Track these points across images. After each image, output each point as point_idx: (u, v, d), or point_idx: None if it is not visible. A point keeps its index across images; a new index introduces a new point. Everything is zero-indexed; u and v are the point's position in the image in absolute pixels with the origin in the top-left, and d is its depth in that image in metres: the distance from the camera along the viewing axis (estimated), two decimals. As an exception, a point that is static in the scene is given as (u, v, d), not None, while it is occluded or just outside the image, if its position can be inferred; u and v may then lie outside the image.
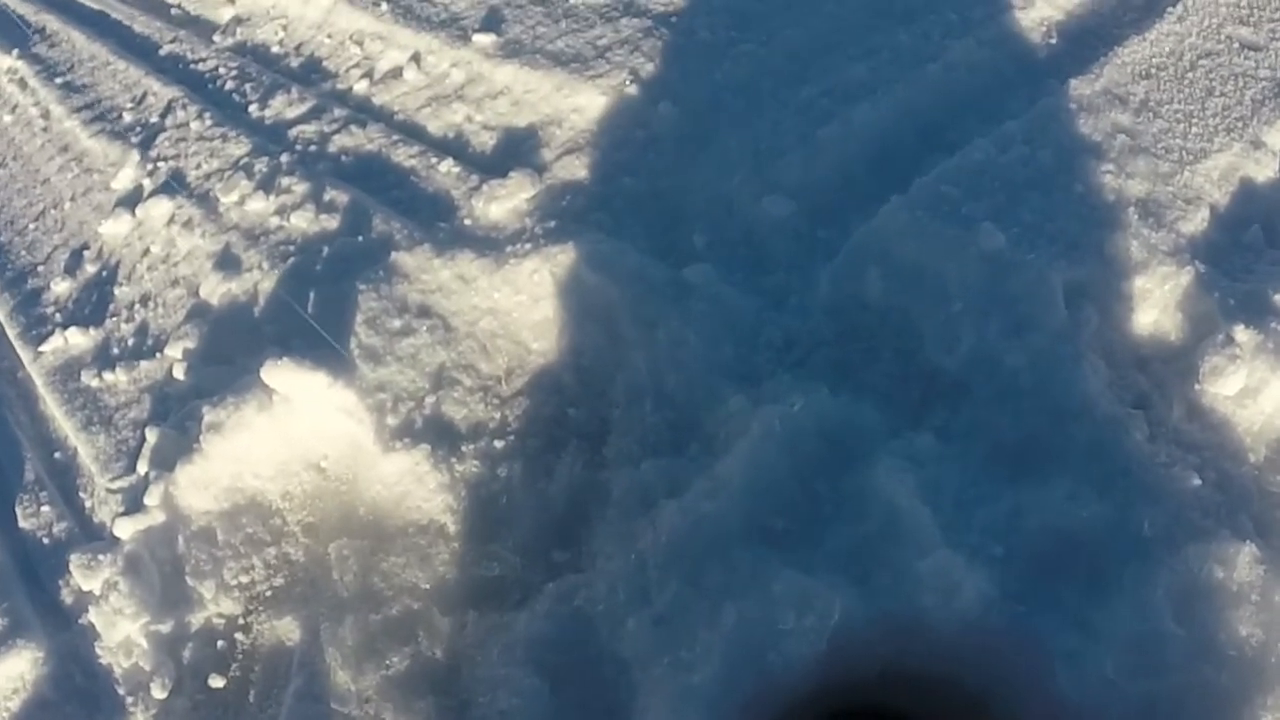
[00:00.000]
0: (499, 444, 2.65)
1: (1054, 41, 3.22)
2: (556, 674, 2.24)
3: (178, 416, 2.99)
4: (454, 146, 3.35)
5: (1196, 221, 2.59)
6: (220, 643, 2.65)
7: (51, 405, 3.36)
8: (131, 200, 3.70)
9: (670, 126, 3.12)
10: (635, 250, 2.80)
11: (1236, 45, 3.02)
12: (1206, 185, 2.68)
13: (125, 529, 2.84)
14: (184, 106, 3.95)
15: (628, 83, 3.23)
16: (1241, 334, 2.32)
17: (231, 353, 3.05)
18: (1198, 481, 2.14)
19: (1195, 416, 2.30)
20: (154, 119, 4.00)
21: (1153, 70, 2.97)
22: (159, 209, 3.57)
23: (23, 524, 3.20)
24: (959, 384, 2.42)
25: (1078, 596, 2.02)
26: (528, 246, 2.85)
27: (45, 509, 3.19)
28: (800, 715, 2.13)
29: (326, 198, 3.26)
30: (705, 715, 2.03)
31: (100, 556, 2.84)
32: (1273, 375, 2.27)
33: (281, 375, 2.76)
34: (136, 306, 3.39)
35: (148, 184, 3.74)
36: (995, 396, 2.34)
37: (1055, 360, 2.32)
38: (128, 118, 4.13)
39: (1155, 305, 2.47)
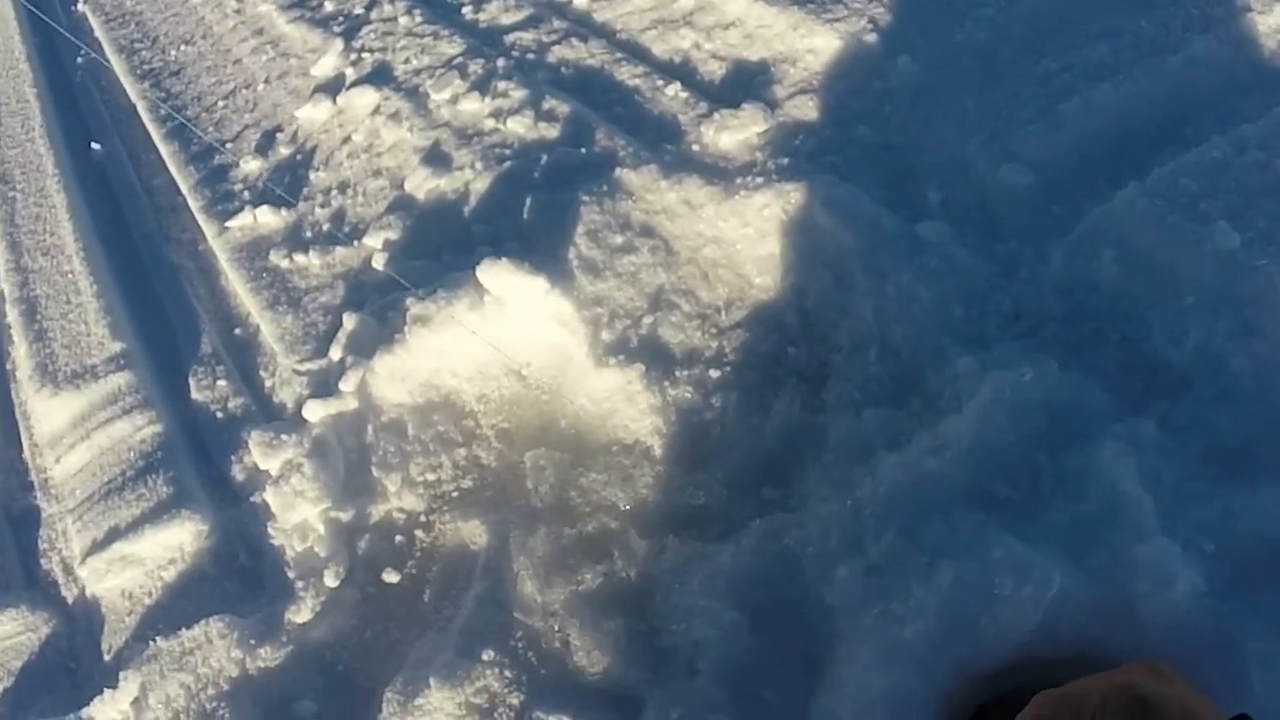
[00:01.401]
0: (714, 374, 2.60)
1: None
2: (758, 610, 2.20)
3: (378, 305, 2.97)
4: (681, 71, 3.29)
5: None
6: (399, 538, 2.63)
7: (235, 281, 3.35)
8: (333, 88, 3.68)
9: (907, 80, 3.03)
10: (870, 199, 2.73)
11: None
12: None
13: (314, 412, 2.83)
14: (391, 1, 3.91)
15: (866, 30, 3.15)
16: None
17: (438, 249, 3.01)
18: None
19: None
20: (358, 10, 3.98)
21: None
22: (363, 98, 3.54)
23: (195, 395, 3.20)
24: (1183, 378, 2.36)
25: (1279, 604, 1.96)
26: (759, 180, 2.78)
27: (221, 383, 3.18)
28: (1004, 683, 2.07)
29: (546, 106, 3.21)
30: (916, 670, 1.97)
31: (284, 436, 2.83)
32: None
33: (499, 275, 2.72)
34: (334, 192, 3.37)
35: (351, 73, 3.71)
36: (1217, 395, 2.28)
37: (1278, 368, 2.26)
38: (329, 7, 4.11)
39: None
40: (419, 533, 2.65)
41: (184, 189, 3.71)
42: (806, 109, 3.00)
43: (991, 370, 2.36)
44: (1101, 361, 2.45)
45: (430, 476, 2.72)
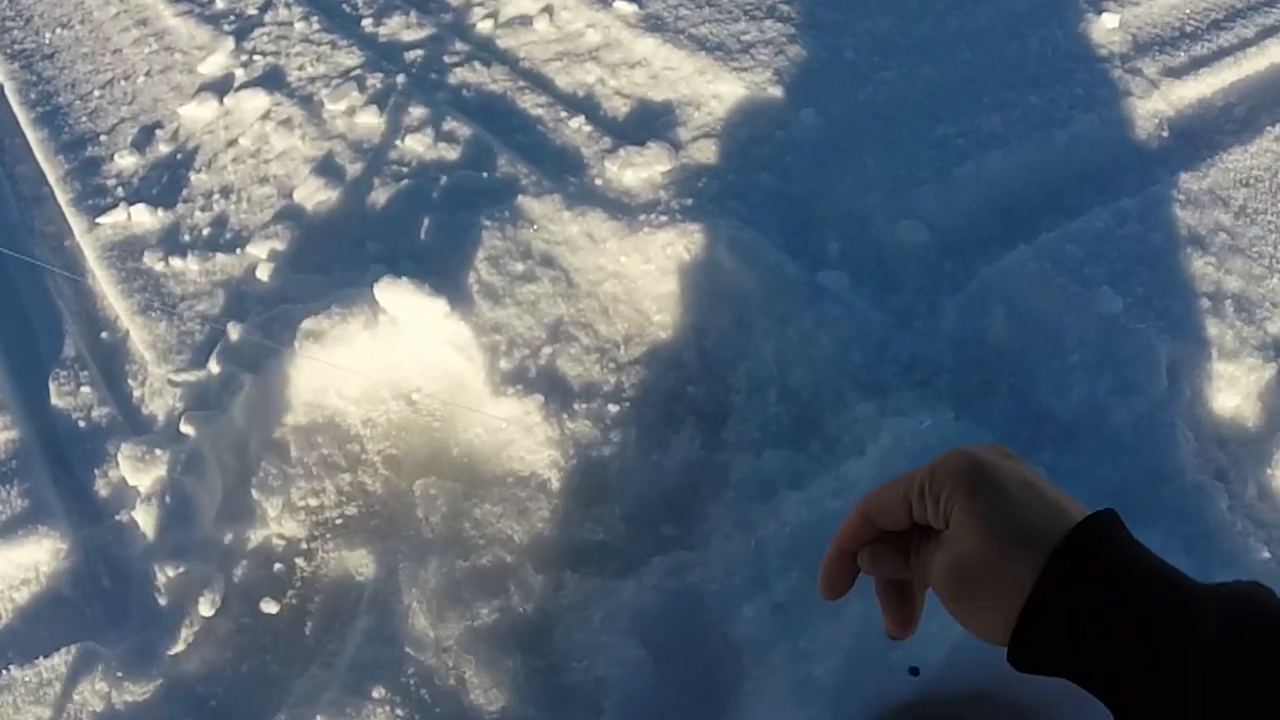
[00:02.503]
0: (613, 408, 2.60)
1: (1165, 135, 3.38)
2: (662, 647, 2.19)
3: (263, 317, 2.85)
4: (585, 105, 3.29)
5: (1281, 324, 2.76)
6: (278, 566, 2.50)
7: (104, 282, 3.17)
8: (220, 88, 3.53)
9: (810, 134, 3.11)
10: (772, 244, 2.79)
11: (1327, 171, 3.19)
12: (1292, 293, 2.84)
13: (192, 427, 2.69)
14: (287, 5, 3.79)
15: (771, 82, 3.22)
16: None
17: (328, 262, 2.92)
18: (1267, 555, 2.26)
19: (1266, 497, 2.45)
20: (250, 11, 3.84)
21: (1252, 179, 3.11)
22: (253, 102, 3.41)
23: (55, 402, 2.99)
24: (1066, 430, 2.51)
25: None
26: (663, 219, 2.81)
27: (84, 390, 2.99)
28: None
29: (446, 127, 3.16)
30: (828, 706, 2.01)
31: (157, 451, 2.67)
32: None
33: (398, 295, 2.66)
34: (216, 196, 3.23)
35: (241, 74, 3.57)
36: (1099, 447, 2.44)
37: (1154, 424, 2.44)
38: (220, 4, 3.94)
39: (1239, 392, 2.61)
40: (300, 561, 2.53)
41: (51, 179, 3.49)
42: (710, 152, 3.05)
43: (890, 416, 2.44)
44: (991, 411, 2.58)
45: (313, 502, 2.62)
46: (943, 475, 0.83)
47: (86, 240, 3.26)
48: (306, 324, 2.70)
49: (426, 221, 2.88)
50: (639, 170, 2.96)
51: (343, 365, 2.67)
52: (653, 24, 3.45)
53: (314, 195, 3.07)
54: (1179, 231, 2.89)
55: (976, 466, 0.81)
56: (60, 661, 2.33)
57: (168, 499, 2.56)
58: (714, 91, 3.21)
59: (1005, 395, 2.62)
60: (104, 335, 3.10)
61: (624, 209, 2.86)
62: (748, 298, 2.71)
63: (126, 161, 3.44)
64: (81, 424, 2.94)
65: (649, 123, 3.17)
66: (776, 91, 3.20)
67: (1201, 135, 3.38)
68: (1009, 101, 3.30)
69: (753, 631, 2.15)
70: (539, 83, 3.38)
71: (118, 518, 2.67)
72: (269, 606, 2.43)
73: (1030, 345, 2.66)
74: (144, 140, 3.51)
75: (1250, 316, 2.73)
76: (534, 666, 2.25)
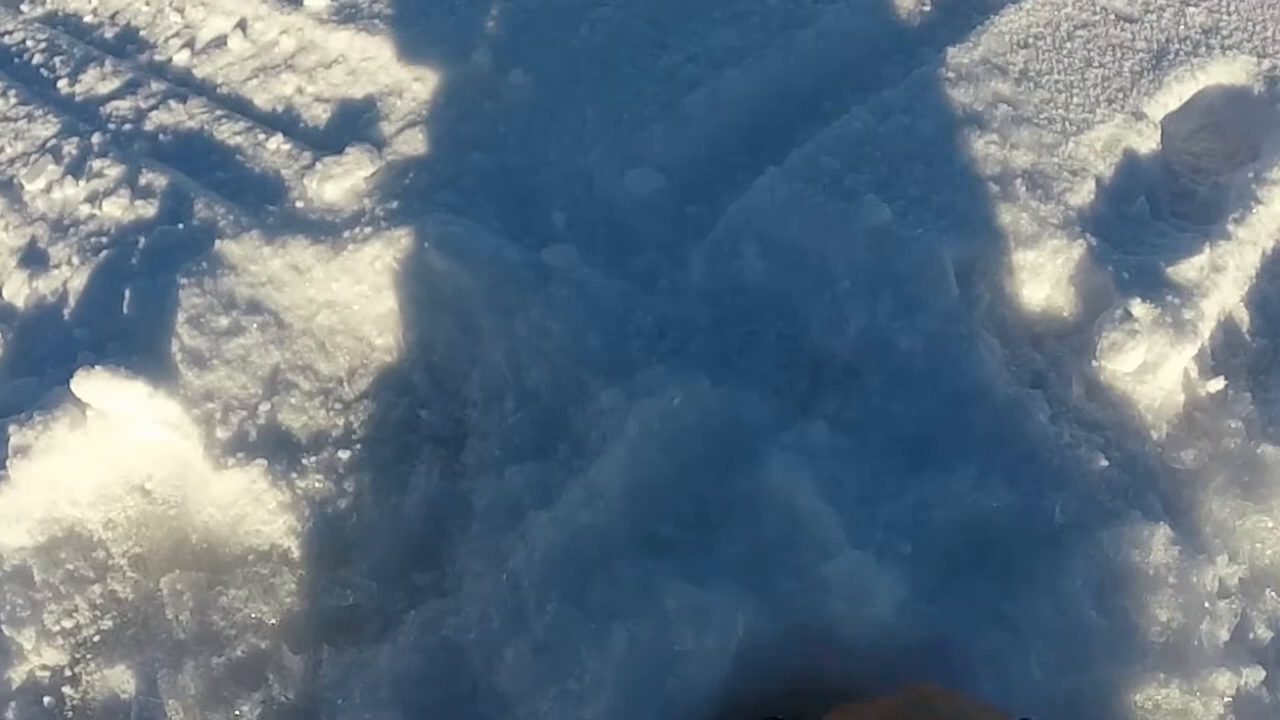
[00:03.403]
0: (344, 454, 2.39)
1: (928, 9, 3.13)
2: (428, 714, 2.01)
3: (-20, 440, 2.65)
4: (284, 121, 3.03)
5: (1084, 193, 2.49)
6: (47, 699, 2.33)
7: None
8: (-77, 193, 3.29)
9: (522, 96, 2.86)
10: (488, 231, 2.55)
11: (1112, 17, 2.92)
12: (1091, 156, 2.58)
13: (-81, 577, 2.51)
14: (-14, 85, 3.53)
15: (475, 49, 2.95)
16: (1138, 308, 2.23)
17: (41, 362, 2.71)
18: (1104, 462, 2.04)
19: (1095, 394, 2.22)
20: (-48, 98, 3.57)
21: (1031, 40, 2.87)
22: (-45, 201, 3.17)
23: None
24: (849, 370, 2.26)
25: (994, 592, 1.89)
26: (368, 230, 2.57)
27: None
28: None
29: (143, 181, 2.91)
30: None
31: (-112, 610, 2.51)
32: (1171, 350, 2.20)
33: (94, 386, 2.44)
34: (-73, 312, 3.01)
35: (-57, 174, 3.32)
36: (889, 382, 2.20)
37: (949, 341, 2.19)
38: (-83, 96, 3.68)
39: (1047, 280, 2.37)
40: (67, 689, 2.36)
41: None
42: (416, 143, 2.80)
43: (637, 400, 2.20)
44: (758, 367, 2.32)
45: (67, 624, 2.43)
46: None
47: None
48: (14, 440, 2.49)
49: (128, 293, 2.65)
50: (339, 181, 2.71)
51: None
52: (346, 14, 3.18)
53: (21, 290, 2.85)
54: (953, 113, 2.63)
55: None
56: None
57: (-86, 656, 2.41)
58: (415, 74, 2.96)
59: (773, 344, 2.36)
60: None
61: (328, 229, 2.62)
62: (467, 297, 2.48)
63: None
64: None
65: (350, 125, 2.91)
66: (482, 58, 2.94)
67: (969, 2, 3.10)
68: (744, 10, 3.02)
69: (518, 680, 1.95)
70: (237, 107, 3.12)
71: None
72: (48, 743, 2.29)
73: (793, 281, 2.40)
74: None
75: (1046, 192, 2.48)
76: (304, 759, 2.10)
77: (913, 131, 2.60)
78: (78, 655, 2.39)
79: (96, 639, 2.41)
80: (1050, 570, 1.89)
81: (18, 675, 2.37)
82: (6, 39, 3.80)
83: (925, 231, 2.35)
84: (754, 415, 2.18)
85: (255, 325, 2.52)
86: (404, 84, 2.97)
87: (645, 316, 2.42)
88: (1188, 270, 2.33)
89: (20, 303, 2.85)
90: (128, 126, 3.13)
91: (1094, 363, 2.22)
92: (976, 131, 2.58)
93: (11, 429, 2.49)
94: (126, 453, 2.51)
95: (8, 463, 2.47)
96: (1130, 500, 2.01)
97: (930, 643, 1.86)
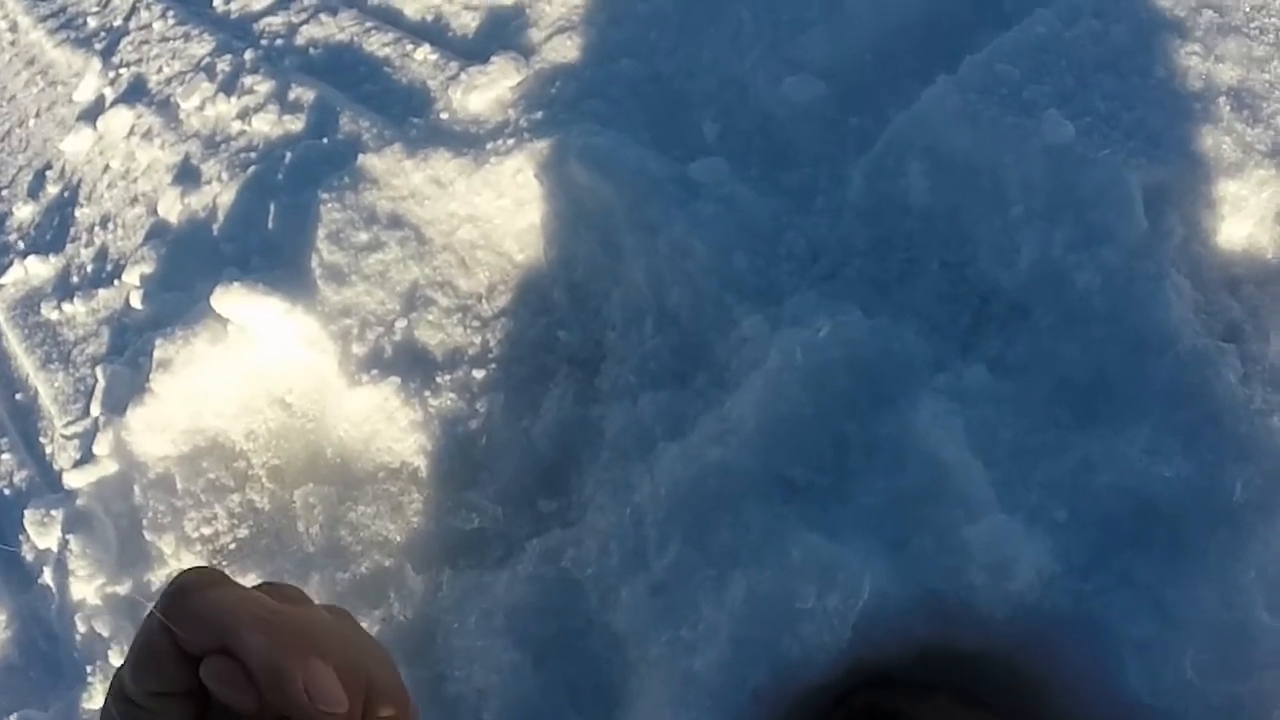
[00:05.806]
0: (479, 373, 2.29)
1: None
2: (540, 647, 1.91)
3: (132, 351, 2.68)
4: (432, 31, 2.93)
5: (1298, 117, 2.14)
6: (183, 604, 2.35)
7: (12, 341, 3.06)
8: (93, 113, 3.35)
9: (675, -1, 2.67)
10: (635, 142, 2.39)
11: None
12: (1309, 74, 2.22)
13: (76, 480, 2.56)
14: (148, 6, 3.56)
15: (629, -53, 2.78)
16: (1355, 253, 1.89)
17: (189, 277, 2.71)
18: None
19: None
20: (118, 22, 3.62)
21: None
22: (119, 120, 3.21)
23: (-20, 472, 2.94)
24: (1017, 307, 1.98)
25: (1154, 574, 1.63)
26: (511, 142, 2.44)
27: (6, 456, 2.91)
28: (821, 707, 1.75)
29: (291, 96, 2.87)
30: (712, 708, 1.67)
31: (53, 511, 2.58)
32: (1394, 303, 1.84)
33: (233, 301, 2.42)
34: (96, 229, 3.06)
35: (109, 93, 3.38)
36: (1060, 323, 1.91)
37: (1133, 280, 1.88)
38: (92, 23, 3.75)
39: (1250, 215, 2.01)
40: (202, 594, 2.37)
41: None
42: (565, 50, 2.65)
43: (781, 328, 2.01)
44: (917, 299, 2.08)
45: (206, 530, 2.46)
46: None
47: (-5, 302, 3.17)
48: (157, 353, 2.49)
49: (272, 208, 2.62)
50: (484, 92, 2.59)
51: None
52: (499, -83, 3.04)
53: (174, 207, 2.86)
54: (1150, 19, 2.25)
55: None
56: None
57: (68, 556, 2.47)
58: (567, -24, 2.80)
59: (935, 273, 2.09)
60: (18, 397, 3.00)
61: (472, 141, 2.51)
62: (611, 213, 2.33)
63: (24, 212, 3.31)
64: (6, 491, 2.87)
65: (498, 33, 2.78)
66: (637, -42, 2.75)
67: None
68: (915, -108, 2.73)
69: (633, 620, 1.82)
70: (387, 18, 3.04)
71: (41, 580, 2.62)
72: (180, 645, 2.30)
73: (961, 203, 2.11)
74: (37, 186, 3.37)
75: (1254, 114, 2.08)
76: (420, 678, 2.04)
77: (1104, 38, 2.26)
78: (214, 561, 2.41)
79: (233, 547, 2.43)
80: (1221, 556, 1.61)
81: (157, 578, 2.42)
82: (166, -39, 3.83)
83: (1112, 153, 2.01)
84: (907, 352, 1.95)
85: (395, 240, 2.44)
86: (555, -13, 2.83)
87: (797, 238, 2.21)
88: None
89: (173, 219, 2.86)
90: (279, 42, 3.10)
91: (1299, 316, 1.87)
92: (1176, 40, 2.22)
93: (156, 342, 2.51)
94: (268, 366, 2.49)
95: (151, 375, 2.48)
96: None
97: (1076, 621, 1.63)
